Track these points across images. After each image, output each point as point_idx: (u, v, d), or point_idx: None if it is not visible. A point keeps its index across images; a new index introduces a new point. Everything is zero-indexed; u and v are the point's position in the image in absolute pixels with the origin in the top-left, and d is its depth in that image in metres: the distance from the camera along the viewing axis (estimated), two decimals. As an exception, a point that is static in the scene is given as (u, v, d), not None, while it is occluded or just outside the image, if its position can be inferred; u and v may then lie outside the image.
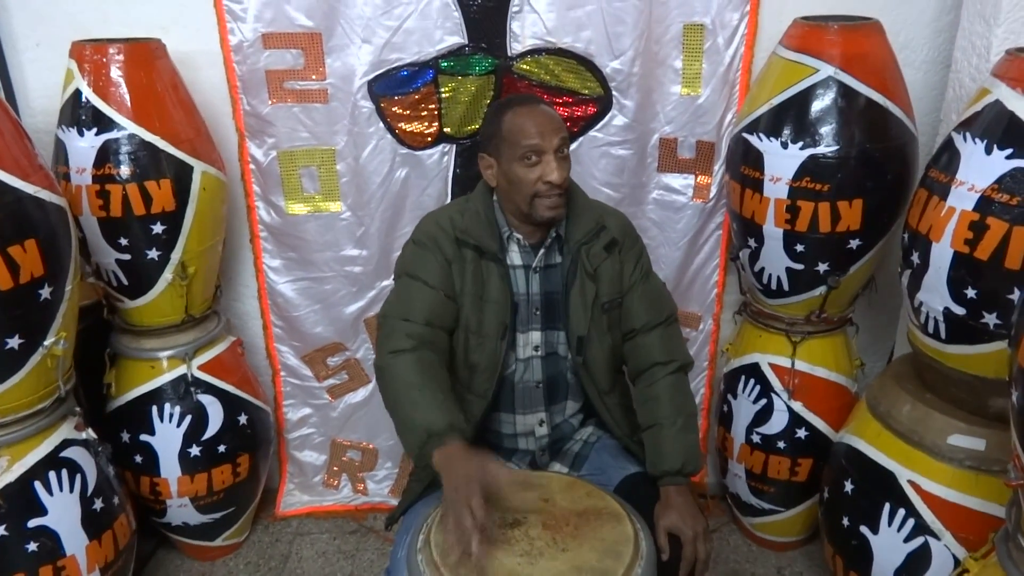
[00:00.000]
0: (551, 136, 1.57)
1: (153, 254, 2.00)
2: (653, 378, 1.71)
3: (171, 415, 2.13)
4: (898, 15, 2.02)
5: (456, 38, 2.11)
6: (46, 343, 1.70)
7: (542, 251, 1.69)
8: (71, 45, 1.92)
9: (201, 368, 2.18)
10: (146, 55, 1.94)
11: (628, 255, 1.75)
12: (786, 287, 2.07)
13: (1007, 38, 1.79)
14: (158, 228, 1.98)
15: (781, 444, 2.17)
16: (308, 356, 2.50)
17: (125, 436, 2.13)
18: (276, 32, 2.10)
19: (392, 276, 2.32)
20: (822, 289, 2.03)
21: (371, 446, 2.60)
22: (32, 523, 1.72)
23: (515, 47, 2.14)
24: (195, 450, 2.16)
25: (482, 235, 1.65)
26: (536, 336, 1.71)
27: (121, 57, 1.88)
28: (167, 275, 2.04)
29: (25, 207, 1.61)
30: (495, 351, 1.67)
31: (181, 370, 2.15)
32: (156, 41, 1.98)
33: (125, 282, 2.04)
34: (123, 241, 1.97)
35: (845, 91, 1.84)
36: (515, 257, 1.69)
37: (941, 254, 1.60)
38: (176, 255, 2.03)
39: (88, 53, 1.88)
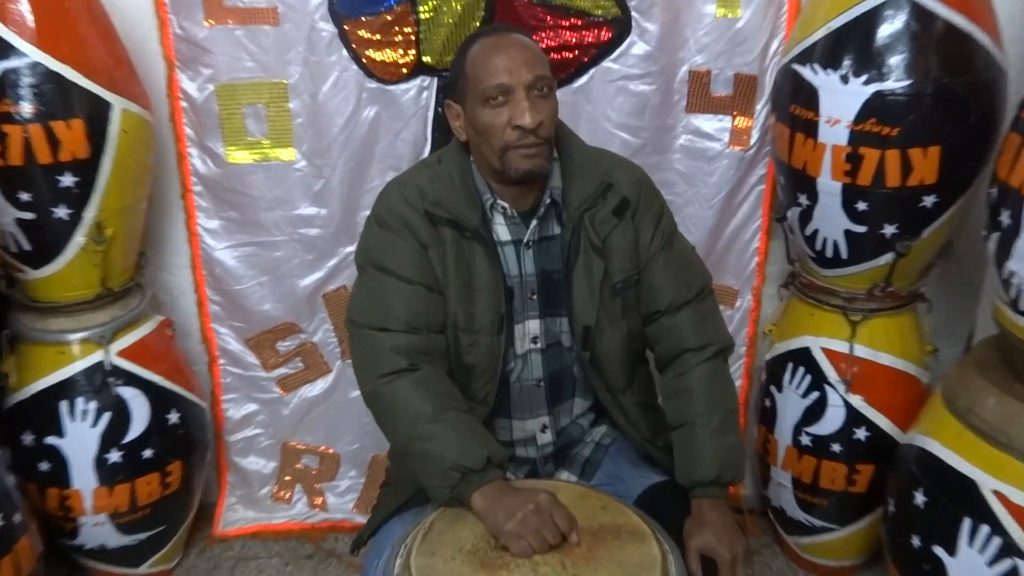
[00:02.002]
0: (522, 70, 1.56)
1: (62, 212, 2.00)
2: (684, 367, 1.72)
3: (84, 412, 2.13)
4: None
5: (438, -59, 2.11)
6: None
7: (535, 221, 1.68)
8: (-43, -50, 1.90)
9: (121, 354, 2.18)
10: (52, -36, 1.91)
11: (645, 218, 1.74)
12: (844, 254, 2.09)
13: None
14: (68, 180, 1.97)
15: (836, 447, 2.20)
16: (253, 340, 2.51)
17: (28, 438, 2.13)
18: (213, -65, 2.09)
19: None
20: (889, 257, 2.05)
21: (331, 451, 2.62)
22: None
23: (512, -45, 2.13)
24: (115, 455, 2.16)
25: (459, 206, 1.64)
26: (534, 326, 1.72)
27: (20, -34, 1.87)
28: (79, 238, 2.04)
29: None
30: (493, 348, 1.67)
31: (97, 356, 2.14)
32: (63, -55, 1.96)
33: (27, 247, 2.04)
34: (24, 196, 1.96)
35: (920, 12, 1.85)
36: (502, 231, 1.69)
37: (1038, 213, 1.60)
38: (90, 214, 2.02)
39: (-22, -40, 1.87)
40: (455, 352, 1.68)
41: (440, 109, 2.26)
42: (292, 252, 2.40)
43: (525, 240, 1.68)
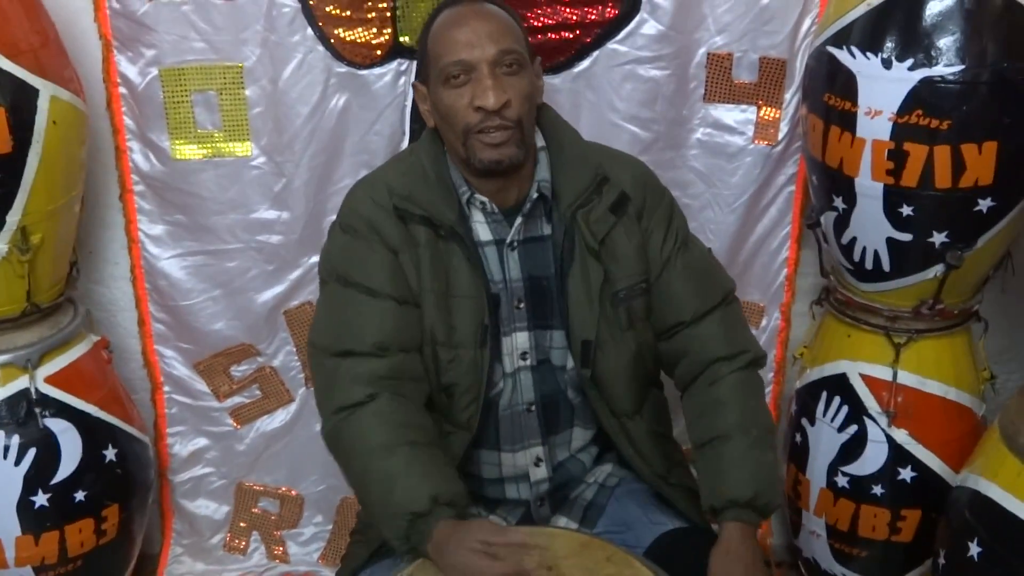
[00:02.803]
0: (485, 44, 1.57)
1: (-20, 216, 1.99)
2: (715, 376, 1.72)
3: (6, 448, 2.10)
4: None
5: (418, -97, 2.13)
6: None
7: (519, 219, 1.68)
8: None
9: (50, 380, 2.16)
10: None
11: (653, 218, 1.75)
12: (886, 266, 2.08)
13: None
14: (-14, 178, 1.96)
15: (878, 489, 2.19)
16: (203, 364, 2.51)
17: None
18: None
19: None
20: (939, 269, 2.04)
21: (293, 492, 2.61)
22: None
23: (504, -81, 2.15)
24: (41, 498, 2.13)
25: (432, 200, 1.65)
26: (522, 339, 1.72)
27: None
28: (1, 246, 2.02)
29: None
30: (476, 364, 1.66)
31: (21, 383, 2.12)
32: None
33: (-61, 256, 2.02)
34: (-66, 197, 1.95)
35: (974, -13, 1.85)
36: (481, 230, 1.70)
37: (1110, 220, 1.60)
38: (14, 218, 2.01)
39: None
40: (434, 370, 1.67)
41: (417, 96, 2.28)
42: (249, 262, 2.40)
43: (509, 240, 1.69)
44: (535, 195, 1.68)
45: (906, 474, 2.16)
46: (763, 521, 1.63)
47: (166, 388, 2.52)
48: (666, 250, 1.74)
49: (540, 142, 1.73)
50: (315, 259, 2.34)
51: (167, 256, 2.39)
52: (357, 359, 1.60)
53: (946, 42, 1.87)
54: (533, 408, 1.74)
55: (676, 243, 1.75)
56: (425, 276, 1.64)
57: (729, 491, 1.59)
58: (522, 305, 1.71)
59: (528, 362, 1.72)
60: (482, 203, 1.68)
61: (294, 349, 2.49)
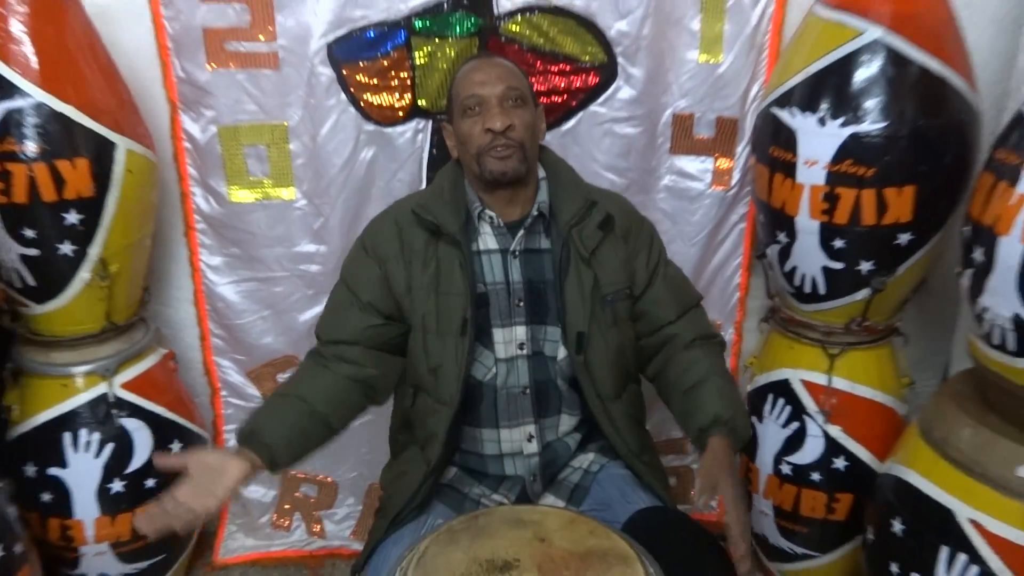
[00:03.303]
0: (495, 84, 1.64)
1: (67, 249, 1.96)
2: (691, 348, 1.78)
3: (88, 443, 2.07)
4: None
5: (433, -9, 2.12)
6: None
7: (522, 232, 1.70)
8: (-36, -7, 1.87)
9: (125, 386, 2.13)
10: (54, 6, 1.89)
11: (638, 240, 1.78)
12: (822, 290, 2.06)
13: (1087, -5, 1.79)
14: (73, 218, 1.94)
15: (816, 476, 2.16)
16: (254, 372, 2.47)
17: (30, 469, 2.07)
18: (214, -20, 2.09)
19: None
20: (865, 292, 2.02)
21: (329, 480, 2.57)
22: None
23: (503, 4, 2.15)
24: (117, 485, 2.10)
25: (442, 211, 1.68)
26: (521, 331, 1.71)
27: (24, 8, 1.84)
28: (84, 274, 2.00)
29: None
30: (457, 350, 1.67)
31: (101, 389, 2.09)
32: (67, -10, 1.95)
33: (32, 282, 1.99)
34: (29, 233, 1.92)
35: (895, 57, 1.84)
36: (488, 240, 1.71)
37: (1010, 250, 1.57)
38: (95, 250, 1.99)
39: (-18, 2, 1.84)
40: (423, 353, 1.69)
41: (435, 151, 2.26)
42: (292, 288, 2.38)
43: (512, 249, 1.70)
44: (535, 213, 1.70)
45: (840, 463, 2.13)
46: (738, 446, 1.67)
47: (223, 392, 2.49)
48: (650, 266, 1.77)
49: (542, 173, 1.76)
50: (347, 285, 2.35)
51: (224, 282, 2.37)
52: (334, 347, 1.71)
53: (871, 103, 1.86)
54: (527, 391, 1.72)
55: (658, 261, 1.79)
56: (416, 275, 1.68)
57: (714, 412, 1.64)
58: (521, 303, 1.70)
59: (525, 351, 1.71)
60: (490, 217, 1.70)
61: (329, 359, 2.46)
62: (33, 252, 1.94)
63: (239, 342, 2.43)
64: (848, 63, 1.87)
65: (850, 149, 1.87)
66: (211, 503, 1.45)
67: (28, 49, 1.84)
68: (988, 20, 2.14)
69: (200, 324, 2.43)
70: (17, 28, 1.83)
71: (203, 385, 2.48)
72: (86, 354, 2.10)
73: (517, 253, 1.70)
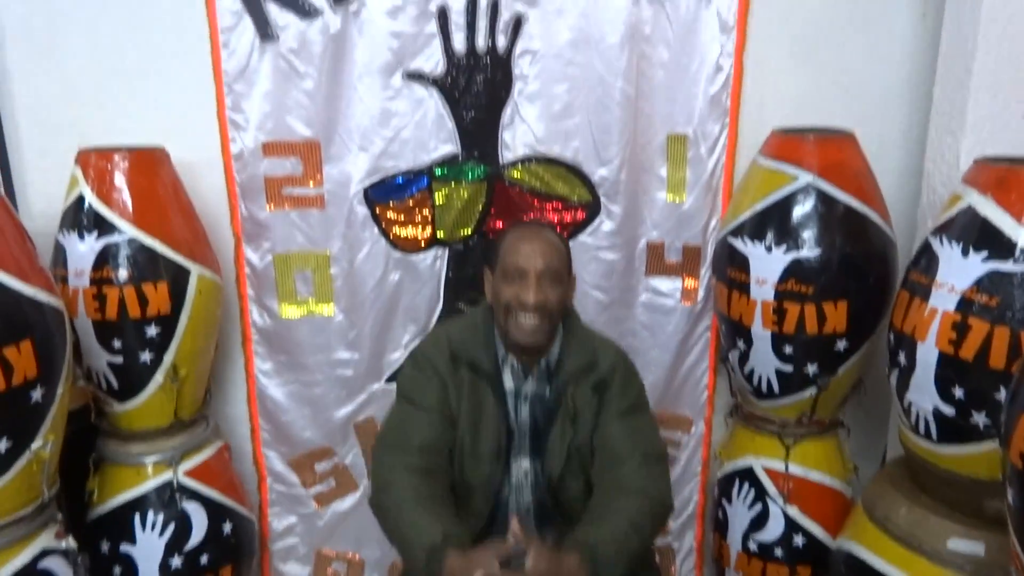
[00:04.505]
0: (537, 259, 1.60)
1: (146, 357, 2.01)
2: (629, 495, 1.58)
3: (154, 523, 2.07)
4: (870, 128, 2.13)
5: (450, 147, 2.21)
6: (33, 446, 1.68)
7: (532, 380, 1.70)
8: (78, 152, 1.99)
9: (187, 474, 2.13)
10: (150, 162, 2.01)
11: (616, 390, 1.69)
12: (776, 389, 2.08)
13: (973, 148, 1.90)
14: (152, 331, 1.99)
15: (779, 551, 2.13)
16: (295, 461, 2.46)
17: (104, 546, 2.07)
18: (276, 141, 2.19)
19: (383, 379, 2.35)
20: (812, 391, 2.04)
21: (357, 557, 2.53)
22: (3, 640, 1.66)
23: (507, 155, 2.24)
24: (176, 561, 2.09)
25: (477, 351, 1.67)
26: (525, 463, 1.72)
27: (126, 164, 1.95)
28: (158, 378, 2.04)
29: (23, 308, 1.63)
30: (490, 473, 1.66)
31: (167, 476, 2.10)
32: (161, 149, 2.06)
33: (116, 385, 2.04)
34: (117, 344, 1.98)
35: (824, 198, 1.92)
36: (508, 381, 1.70)
37: (927, 354, 1.63)
38: (169, 358, 2.03)
39: (94, 160, 1.96)
40: (459, 471, 1.66)
41: (451, 274, 2.31)
42: (329, 388, 2.39)
43: (524, 392, 1.70)
44: (543, 364, 1.70)
45: (799, 540, 2.11)
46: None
47: (269, 479, 2.48)
48: (620, 409, 1.68)
49: (555, 332, 1.71)
50: (376, 386, 2.38)
51: (273, 384, 2.39)
52: (405, 456, 1.60)
53: (808, 234, 1.92)
54: (530, 511, 1.73)
55: (629, 407, 1.69)
56: (463, 405, 1.65)
57: (596, 538, 1.48)
58: (526, 439, 1.71)
59: (529, 480, 1.72)
60: (512, 362, 1.70)
61: (360, 451, 2.45)
62: (118, 360, 1.99)
63: (283, 435, 2.43)
64: (787, 202, 1.94)
65: (793, 271, 1.92)
66: None
67: (126, 196, 1.94)
68: (896, 169, 2.24)
69: (251, 420, 2.43)
70: (119, 180, 1.94)
71: (251, 473, 2.47)
72: (156, 446, 2.11)
73: (527, 397, 1.70)
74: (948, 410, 1.62)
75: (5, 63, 2.15)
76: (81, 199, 1.96)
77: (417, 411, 1.65)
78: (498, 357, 1.69)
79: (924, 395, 1.66)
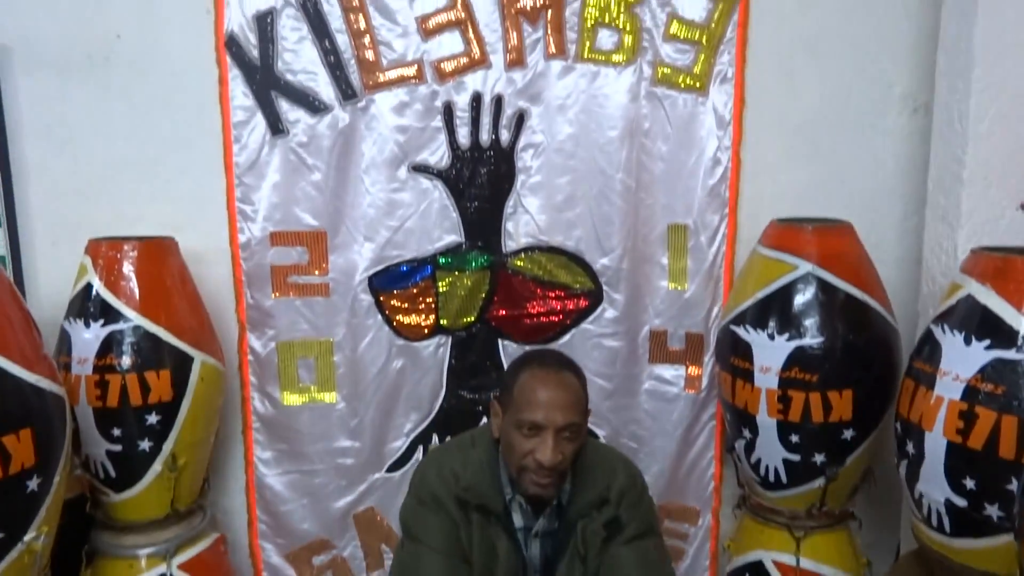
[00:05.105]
0: (557, 414, 1.50)
1: (145, 445, 1.99)
2: None
3: (143, 617, 2.01)
4: (866, 218, 2.17)
5: (454, 236, 2.25)
6: (26, 538, 1.64)
7: (543, 519, 1.65)
8: (88, 243, 2.03)
9: (181, 567, 2.08)
10: (159, 252, 2.04)
11: (627, 518, 1.63)
12: (784, 479, 2.04)
13: (970, 238, 1.92)
14: (153, 419, 1.98)
15: None
16: (292, 554, 2.41)
17: None
18: (284, 231, 2.23)
19: (384, 469, 2.31)
20: (820, 481, 2.01)
21: None
22: None
23: (510, 244, 2.28)
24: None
25: (487, 493, 1.60)
26: None
27: (135, 253, 1.98)
28: (156, 467, 2.02)
29: (24, 395, 1.62)
30: None
31: (160, 568, 2.05)
32: (170, 239, 2.10)
33: (113, 474, 2.01)
34: (116, 432, 1.96)
35: (824, 286, 1.93)
36: (517, 519, 1.65)
37: (935, 443, 1.61)
38: (168, 446, 2.01)
39: (104, 250, 1.99)
40: None
41: (454, 362, 2.32)
42: (330, 478, 2.36)
43: (534, 529, 1.66)
44: (555, 503, 1.64)
45: None
46: None
47: (264, 574, 2.41)
48: (626, 535, 1.63)
49: (565, 482, 1.63)
50: (378, 475, 2.35)
51: (272, 474, 2.36)
52: None
53: (810, 322, 1.92)
54: None
55: (639, 533, 1.63)
56: (475, 548, 1.58)
57: None
58: (538, 574, 1.67)
59: None
60: (520, 503, 1.63)
61: (359, 543, 2.40)
62: (117, 448, 1.97)
63: (281, 527, 2.38)
64: (788, 290, 1.95)
65: (796, 359, 1.92)
66: None
67: (133, 284, 1.97)
68: (894, 259, 2.27)
69: (249, 511, 2.39)
70: (127, 268, 1.97)
71: (248, 566, 2.41)
72: (151, 537, 2.07)
73: (538, 534, 1.65)
74: (960, 502, 1.59)
75: (23, 156, 2.21)
76: (89, 287, 1.98)
77: (428, 552, 1.58)
78: (506, 497, 1.62)
79: (935, 486, 1.63)
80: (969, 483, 1.56)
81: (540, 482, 1.53)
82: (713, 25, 2.17)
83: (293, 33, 2.16)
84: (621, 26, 2.17)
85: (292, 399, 2.32)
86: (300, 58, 2.17)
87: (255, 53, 2.17)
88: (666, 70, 2.19)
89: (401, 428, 2.35)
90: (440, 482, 1.61)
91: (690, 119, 2.22)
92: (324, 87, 2.18)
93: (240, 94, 2.18)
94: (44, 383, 1.67)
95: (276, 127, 2.19)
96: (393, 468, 2.36)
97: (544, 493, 1.55)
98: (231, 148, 2.20)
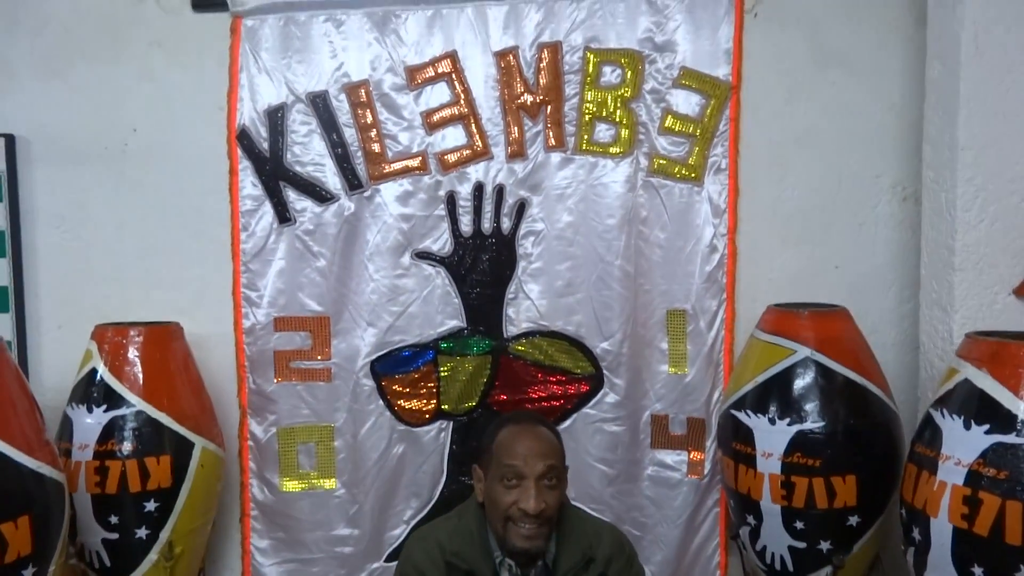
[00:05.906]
0: (536, 461, 1.53)
1: (142, 533, 1.97)
2: None
3: None
4: (862, 303, 2.19)
5: (456, 322, 2.28)
6: (17, 630, 1.61)
7: None
8: (94, 328, 2.06)
9: None
10: (164, 337, 2.07)
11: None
12: (790, 567, 2.00)
13: (965, 323, 1.94)
14: (151, 506, 1.97)
15: None
16: None
17: None
18: (287, 316, 2.26)
19: (383, 558, 2.28)
20: (828, 569, 1.96)
21: None
22: None
23: (511, 330, 2.29)
24: None
25: (475, 559, 1.59)
26: None
27: (140, 339, 2.01)
28: (152, 555, 1.99)
29: (25, 482, 1.62)
30: None
31: (148, 666, 1.99)
32: (175, 324, 2.13)
33: (108, 563, 1.98)
34: (113, 519, 1.95)
35: (823, 371, 1.94)
36: None
37: (941, 530, 1.59)
38: (165, 534, 2.00)
39: (109, 335, 2.01)
40: None
41: (455, 447, 2.30)
42: (328, 567, 2.32)
43: None
44: (540, 564, 1.61)
45: None
46: None
47: None
48: None
49: (552, 533, 1.63)
50: (376, 564, 2.30)
51: (269, 563, 2.32)
52: None
53: (810, 406, 1.92)
54: None
55: None
56: None
57: None
58: None
59: None
60: (509, 565, 1.60)
61: (357, 637, 2.34)
62: (114, 536, 1.95)
63: None
64: (788, 374, 1.96)
65: (798, 443, 1.91)
66: None
67: (137, 370, 1.99)
68: (891, 343, 2.28)
69: None
70: (132, 354, 1.99)
71: None
72: None
73: None
74: (970, 590, 1.56)
75: (34, 242, 2.26)
76: (93, 372, 2.00)
77: None
78: (495, 560, 1.61)
79: (943, 574, 1.59)
80: (978, 571, 1.53)
81: (526, 533, 1.52)
82: (706, 119, 2.25)
83: (302, 127, 2.25)
84: (618, 120, 2.25)
85: (291, 485, 2.30)
86: (308, 150, 2.25)
87: (265, 145, 2.25)
88: (662, 161, 2.26)
89: (401, 515, 2.32)
90: (424, 555, 1.59)
91: (686, 208, 2.27)
92: (331, 177, 2.25)
93: (249, 184, 2.25)
94: (45, 469, 1.67)
95: (283, 216, 2.25)
96: (392, 557, 2.31)
97: (531, 545, 1.54)
98: (239, 236, 2.25)
